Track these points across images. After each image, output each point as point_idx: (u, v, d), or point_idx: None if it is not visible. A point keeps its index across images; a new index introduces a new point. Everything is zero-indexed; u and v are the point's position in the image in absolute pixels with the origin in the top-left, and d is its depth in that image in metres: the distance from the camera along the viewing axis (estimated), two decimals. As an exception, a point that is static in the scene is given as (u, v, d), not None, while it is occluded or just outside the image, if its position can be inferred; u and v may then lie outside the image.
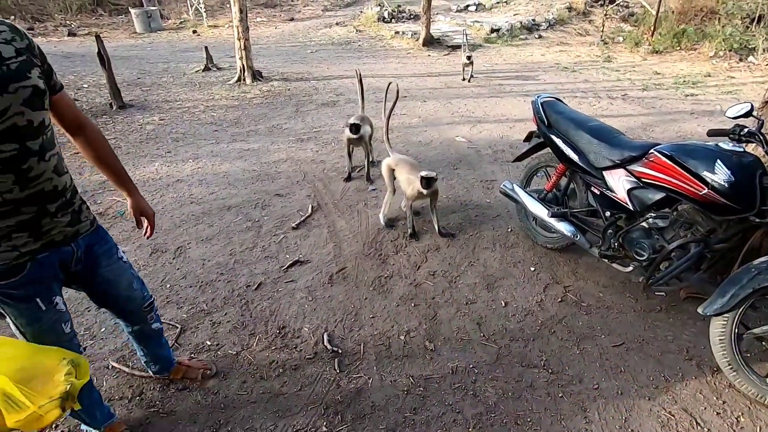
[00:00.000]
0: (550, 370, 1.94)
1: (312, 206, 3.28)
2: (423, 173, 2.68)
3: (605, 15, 10.23)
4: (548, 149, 2.59)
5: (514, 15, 11.48)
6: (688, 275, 2.01)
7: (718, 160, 1.74)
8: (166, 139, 4.72)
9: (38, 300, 1.24)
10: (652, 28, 9.19)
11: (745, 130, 1.79)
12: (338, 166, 3.96)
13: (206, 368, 1.90)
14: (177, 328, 2.17)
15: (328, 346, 2.06)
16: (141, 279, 1.58)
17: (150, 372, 1.85)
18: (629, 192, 2.07)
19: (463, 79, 6.96)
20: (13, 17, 11.57)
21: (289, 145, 4.50)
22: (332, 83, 6.93)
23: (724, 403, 1.79)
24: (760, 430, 1.68)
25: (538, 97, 2.60)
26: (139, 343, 1.70)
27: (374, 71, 7.53)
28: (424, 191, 2.70)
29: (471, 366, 1.96)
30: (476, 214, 3.20)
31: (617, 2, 10.88)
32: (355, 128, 3.46)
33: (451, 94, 6.33)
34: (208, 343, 2.10)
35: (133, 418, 1.73)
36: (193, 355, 2.03)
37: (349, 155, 3.73)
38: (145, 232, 1.59)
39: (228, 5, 13.17)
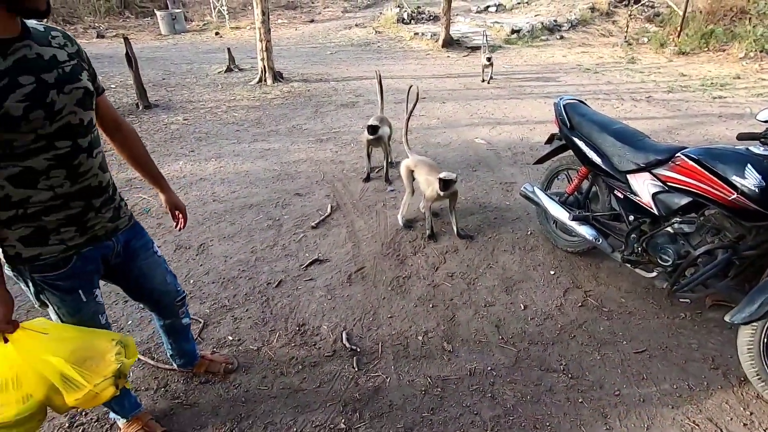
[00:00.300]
0: (569, 375, 1.92)
1: (331, 206, 3.32)
2: (442, 175, 2.68)
3: (629, 15, 10.01)
4: (570, 152, 2.56)
5: (535, 16, 11.34)
6: (715, 282, 1.96)
7: (749, 165, 1.70)
8: (190, 138, 4.83)
9: (81, 292, 1.30)
10: (679, 29, 8.96)
11: (778, 133, 1.74)
12: (357, 167, 3.99)
13: (228, 362, 1.95)
14: (200, 322, 2.23)
15: (347, 345, 2.08)
16: (174, 274, 1.64)
17: (175, 365, 1.91)
18: (654, 196, 2.03)
19: (483, 81, 6.92)
20: (45, 20, 12.00)
21: (309, 146, 4.56)
22: (351, 84, 6.97)
23: (751, 414, 1.75)
24: (789, 443, 1.64)
25: (560, 99, 2.57)
26: (168, 336, 1.76)
27: (393, 72, 7.54)
28: (441, 193, 2.71)
29: (489, 368, 1.96)
30: (495, 217, 3.18)
31: (642, 2, 10.64)
32: (373, 129, 3.49)
33: (471, 95, 6.30)
34: (230, 338, 2.14)
35: (158, 409, 1.78)
36: (215, 349, 2.08)
37: (368, 156, 3.76)
38: (177, 224, 1.67)
39: (249, 7, 13.39)
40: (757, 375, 1.71)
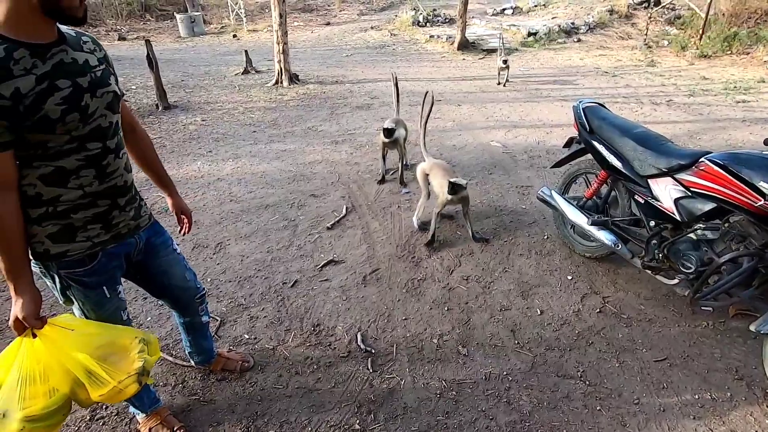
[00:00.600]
0: (587, 382, 1.89)
1: (346, 207, 3.34)
2: (451, 179, 2.68)
3: (649, 18, 9.85)
4: (589, 156, 2.53)
5: (552, 18, 11.24)
6: (739, 291, 1.92)
7: (777, 171, 1.65)
8: (208, 139, 4.91)
9: (105, 288, 1.34)
10: (701, 32, 8.78)
11: (808, 139, 1.69)
12: (372, 169, 4.00)
13: (244, 361, 1.97)
14: (217, 320, 2.26)
15: (362, 346, 2.09)
16: (193, 271, 1.66)
17: (192, 362, 1.93)
18: (676, 201, 2.00)
19: (499, 83, 6.88)
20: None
21: (325, 147, 4.59)
22: (367, 86, 7.00)
23: (777, 427, 1.70)
24: (817, 458, 1.58)
25: (579, 102, 2.54)
26: (188, 333, 1.79)
27: (408, 75, 7.55)
28: (449, 197, 2.70)
29: (505, 373, 1.94)
30: (511, 220, 3.16)
31: (663, 5, 10.46)
32: (388, 132, 3.49)
33: (486, 98, 6.27)
34: (246, 336, 2.17)
35: (176, 405, 1.81)
36: (231, 347, 2.10)
37: (383, 158, 3.77)
38: (182, 229, 1.70)
39: (266, 10, 13.55)
40: (784, 387, 1.67)
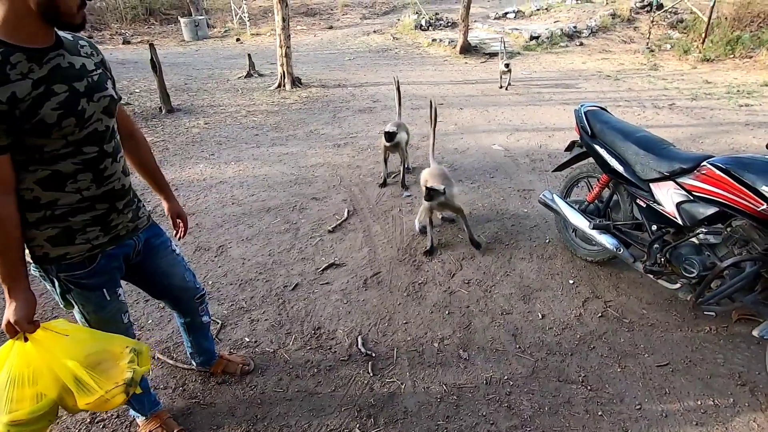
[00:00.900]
0: (589, 387, 1.88)
1: (348, 210, 3.34)
2: (428, 184, 2.64)
3: (652, 21, 9.85)
4: (590, 159, 2.52)
5: (555, 22, 11.25)
6: (742, 295, 1.90)
7: (780, 175, 1.64)
8: (210, 142, 4.93)
9: (105, 290, 1.34)
10: (703, 35, 8.77)
11: (811, 143, 1.68)
12: (374, 172, 4.01)
13: (245, 363, 1.97)
14: (218, 323, 2.26)
15: (362, 349, 2.08)
16: (193, 272, 1.67)
17: (194, 364, 1.93)
18: (678, 205, 1.99)
19: (501, 87, 6.89)
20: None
21: (326, 150, 4.60)
22: (369, 90, 7.02)
23: (780, 433, 1.68)
24: (822, 465, 1.57)
25: (581, 105, 2.54)
26: (189, 334, 1.79)
27: (411, 78, 7.57)
28: (426, 203, 2.67)
29: (506, 377, 1.93)
30: (513, 224, 3.15)
31: (665, 9, 10.46)
32: (390, 136, 3.50)
33: (488, 101, 6.27)
34: (247, 339, 2.17)
35: (176, 408, 1.81)
36: (232, 350, 2.10)
37: (385, 161, 3.77)
38: (177, 233, 1.69)
39: (269, 14, 13.63)
40: (788, 393, 1.65)
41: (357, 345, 2.11)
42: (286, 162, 4.32)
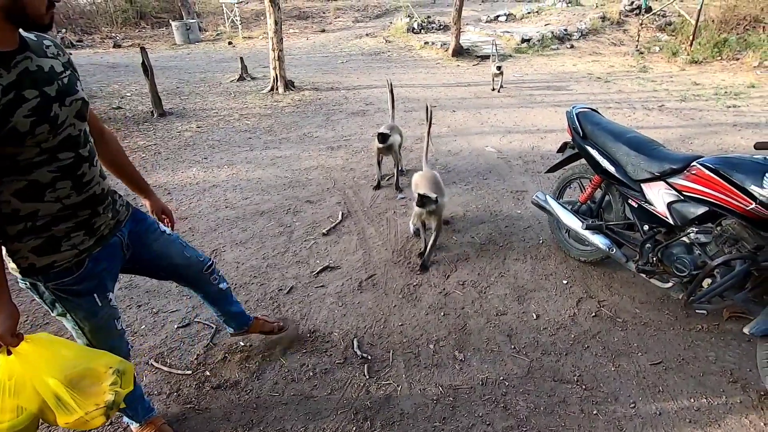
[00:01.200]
0: (583, 387, 1.89)
1: (342, 213, 3.34)
2: (420, 190, 2.61)
3: (641, 24, 9.98)
4: (582, 160, 2.55)
5: (546, 25, 11.36)
6: (732, 293, 1.92)
7: (767, 174, 1.67)
8: (203, 145, 4.90)
9: (95, 295, 1.31)
10: (691, 38, 8.90)
11: (797, 143, 1.72)
12: (368, 175, 4.01)
13: (280, 323, 2.05)
14: (212, 328, 2.24)
15: (358, 352, 2.08)
16: (192, 247, 1.65)
17: (229, 331, 1.98)
18: (669, 205, 2.01)
19: (493, 89, 6.93)
20: (64, 30, 12.33)
21: (320, 153, 4.59)
22: (362, 93, 7.03)
23: (772, 429, 1.70)
24: (813, 460, 1.59)
25: (573, 107, 2.57)
26: (213, 305, 1.81)
27: (403, 81, 7.59)
28: (417, 209, 2.63)
29: (501, 378, 1.94)
30: (506, 225, 3.17)
31: (654, 11, 10.61)
32: (383, 138, 3.51)
33: (481, 104, 6.31)
34: (242, 343, 2.15)
35: (170, 413, 1.79)
36: (226, 354, 2.08)
37: (379, 164, 3.78)
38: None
39: (262, 17, 13.60)
40: (778, 389, 1.67)
41: (353, 347, 2.11)
42: (279, 165, 4.31)
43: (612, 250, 2.34)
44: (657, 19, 10.62)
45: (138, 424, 1.65)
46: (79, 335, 1.36)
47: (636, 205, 2.20)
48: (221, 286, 1.77)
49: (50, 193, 1.14)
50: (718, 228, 1.91)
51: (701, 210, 1.90)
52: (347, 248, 2.93)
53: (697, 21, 8.86)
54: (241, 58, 8.07)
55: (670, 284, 2.14)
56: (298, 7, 15.97)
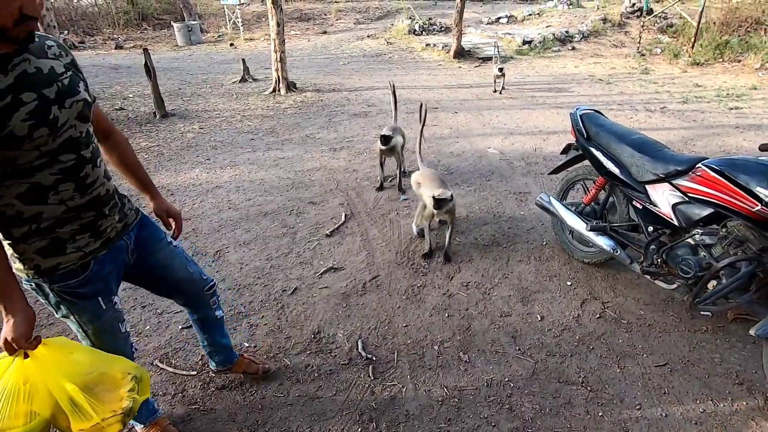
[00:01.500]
0: (589, 388, 1.89)
1: (345, 214, 3.34)
2: (435, 193, 2.60)
3: (642, 26, 9.99)
4: (586, 162, 2.55)
5: (547, 27, 11.37)
6: (737, 295, 1.92)
7: (773, 176, 1.67)
8: (206, 146, 4.91)
9: (100, 298, 1.30)
10: (693, 40, 8.91)
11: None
12: (370, 176, 4.02)
13: (266, 365, 1.96)
14: (216, 329, 2.24)
15: (362, 353, 2.08)
16: (197, 264, 1.64)
17: (212, 366, 1.91)
18: (674, 207, 2.01)
19: (495, 91, 6.94)
20: (66, 32, 12.36)
21: (322, 154, 4.60)
22: (364, 94, 7.04)
23: (778, 431, 1.70)
24: (819, 462, 1.59)
25: (576, 109, 2.57)
26: (203, 331, 1.76)
27: (405, 83, 7.60)
28: (434, 211, 2.65)
29: (506, 379, 1.94)
30: (509, 227, 3.17)
31: (655, 13, 10.62)
32: (386, 139, 3.51)
33: (483, 105, 6.32)
34: (246, 344, 2.15)
35: (176, 414, 1.79)
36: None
37: (381, 165, 3.78)
38: (172, 233, 1.60)
39: (263, 19, 13.63)
40: (785, 391, 1.67)
41: (357, 349, 2.11)
42: (282, 166, 4.32)
43: (616, 252, 2.34)
44: (658, 21, 10.63)
45: (143, 426, 1.65)
46: (83, 337, 1.36)
47: (640, 207, 2.20)
48: (217, 313, 1.73)
49: (53, 196, 1.13)
50: (724, 230, 1.91)
51: (706, 211, 1.90)
52: (351, 249, 2.93)
53: (699, 23, 8.87)
54: (243, 60, 8.08)
55: (674, 286, 2.14)
56: (300, 8, 16.01)
